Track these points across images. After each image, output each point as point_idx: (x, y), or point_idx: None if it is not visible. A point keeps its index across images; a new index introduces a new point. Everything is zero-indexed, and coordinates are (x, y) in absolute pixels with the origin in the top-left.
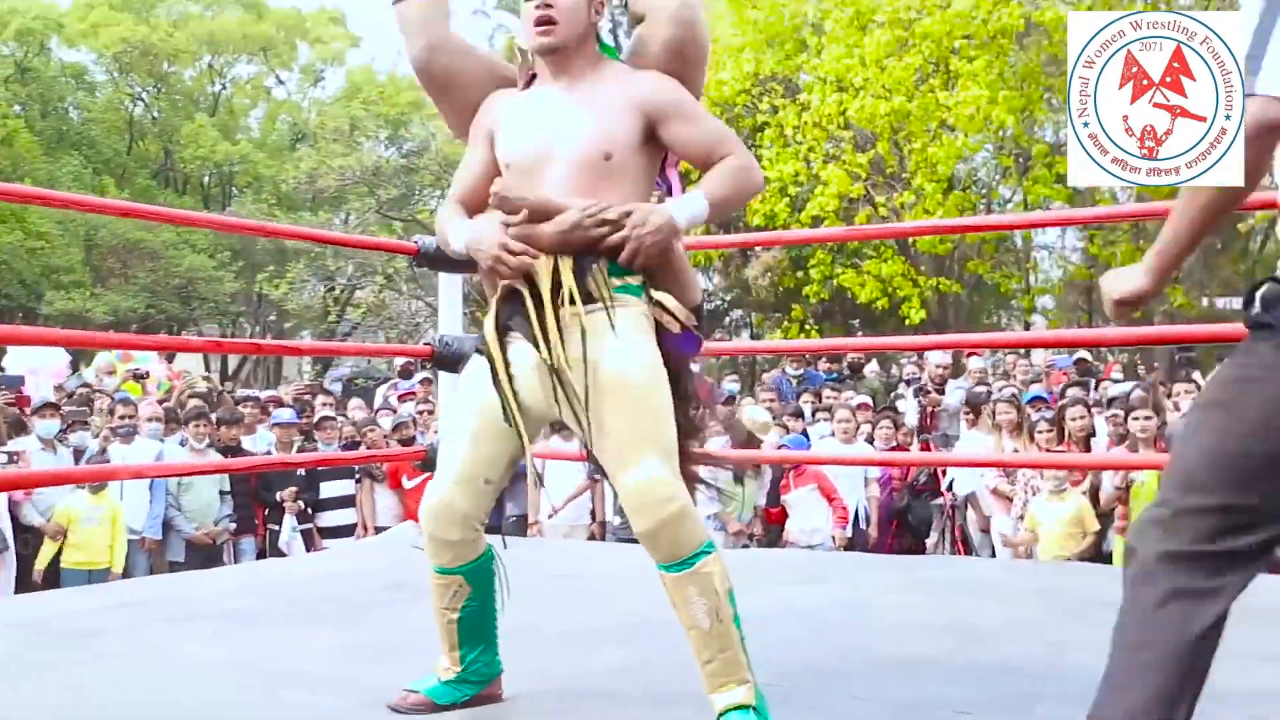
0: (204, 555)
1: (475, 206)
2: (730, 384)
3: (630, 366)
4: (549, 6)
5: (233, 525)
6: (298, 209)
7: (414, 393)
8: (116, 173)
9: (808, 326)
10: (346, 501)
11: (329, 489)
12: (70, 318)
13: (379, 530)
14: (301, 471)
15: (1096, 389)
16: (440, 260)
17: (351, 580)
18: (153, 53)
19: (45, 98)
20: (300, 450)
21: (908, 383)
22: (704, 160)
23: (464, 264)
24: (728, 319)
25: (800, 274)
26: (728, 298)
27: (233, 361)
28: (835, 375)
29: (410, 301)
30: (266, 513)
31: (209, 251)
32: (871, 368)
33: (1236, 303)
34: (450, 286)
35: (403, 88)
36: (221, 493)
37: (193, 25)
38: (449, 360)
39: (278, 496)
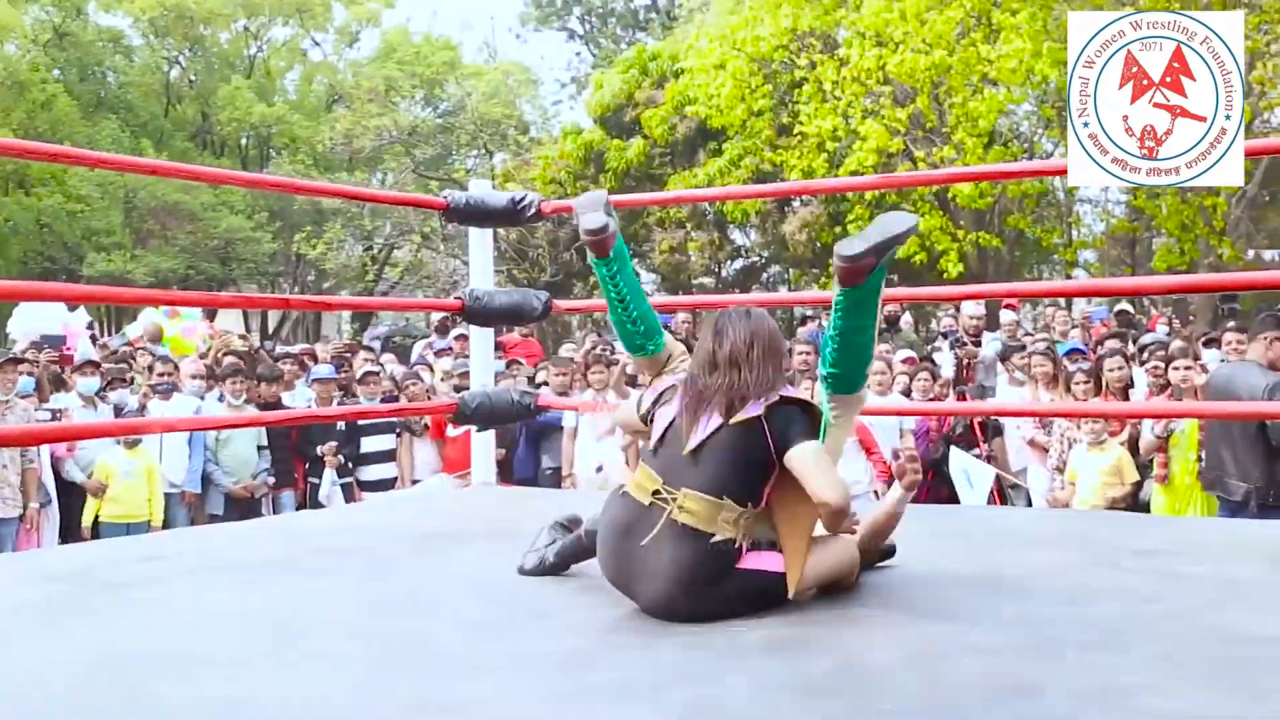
0: (243, 508)
1: None
2: None
3: None
4: None
5: (271, 479)
6: (334, 170)
7: (450, 349)
8: (154, 136)
9: None
10: (388, 456)
11: (370, 443)
12: (111, 279)
13: (416, 484)
14: (342, 426)
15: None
16: (470, 215)
17: (383, 533)
18: (188, 16)
19: (83, 62)
20: (340, 406)
21: (944, 335)
22: None
23: (493, 218)
24: (765, 275)
25: (838, 229)
26: (765, 254)
27: (272, 321)
28: None
29: (448, 260)
30: (307, 467)
31: (246, 213)
32: (907, 320)
33: None
34: (481, 241)
35: (437, 48)
36: (260, 448)
37: None
38: (479, 314)
39: (318, 450)
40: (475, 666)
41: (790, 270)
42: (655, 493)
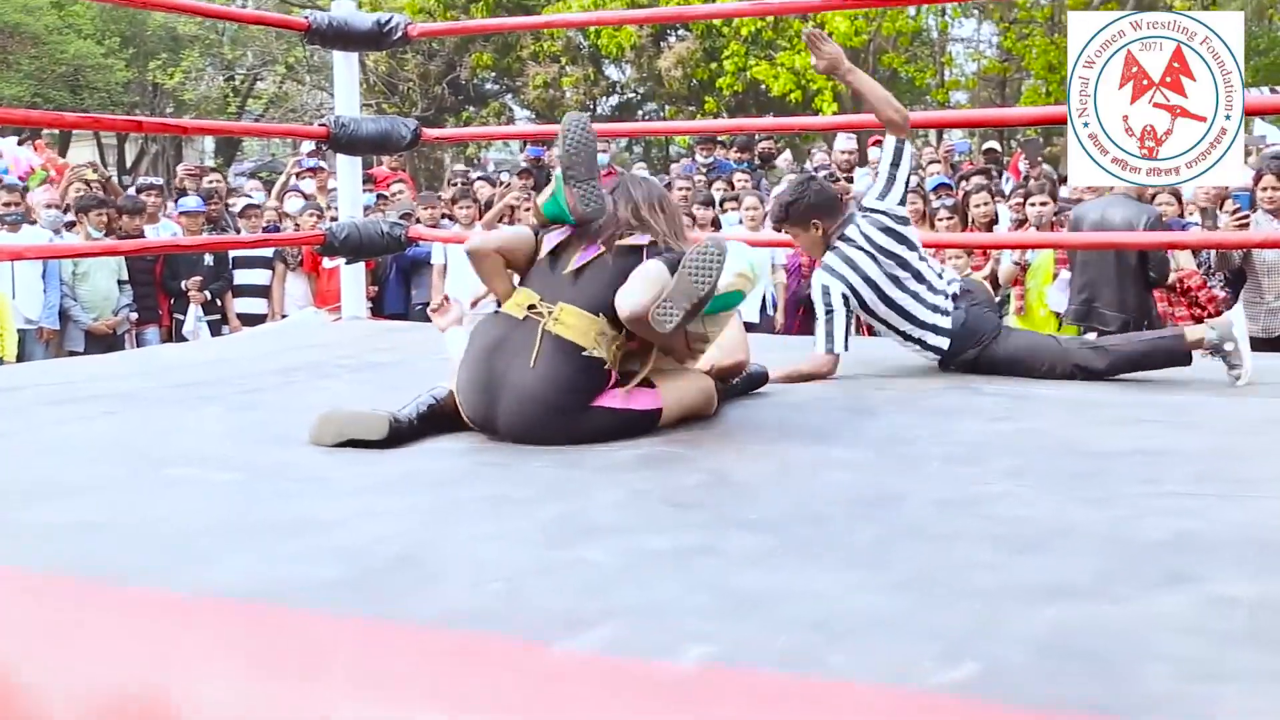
0: (104, 345)
1: None
2: (639, 171)
3: None
4: None
5: (134, 315)
6: None
7: (312, 170)
8: None
9: (721, 119)
10: (262, 291)
11: (243, 277)
12: None
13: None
14: (210, 260)
15: (1003, 178)
16: (333, 37)
17: (248, 365)
18: None
19: None
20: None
21: (817, 170)
22: None
23: (358, 41)
24: (640, 111)
25: (714, 65)
26: (640, 90)
27: (129, 157)
28: (747, 164)
29: (314, 93)
30: (172, 303)
31: (96, 37)
32: (785, 158)
33: None
34: (346, 67)
35: None
36: (121, 282)
37: None
38: (346, 141)
39: (182, 285)
40: (340, 489)
41: (666, 107)
42: (531, 307)
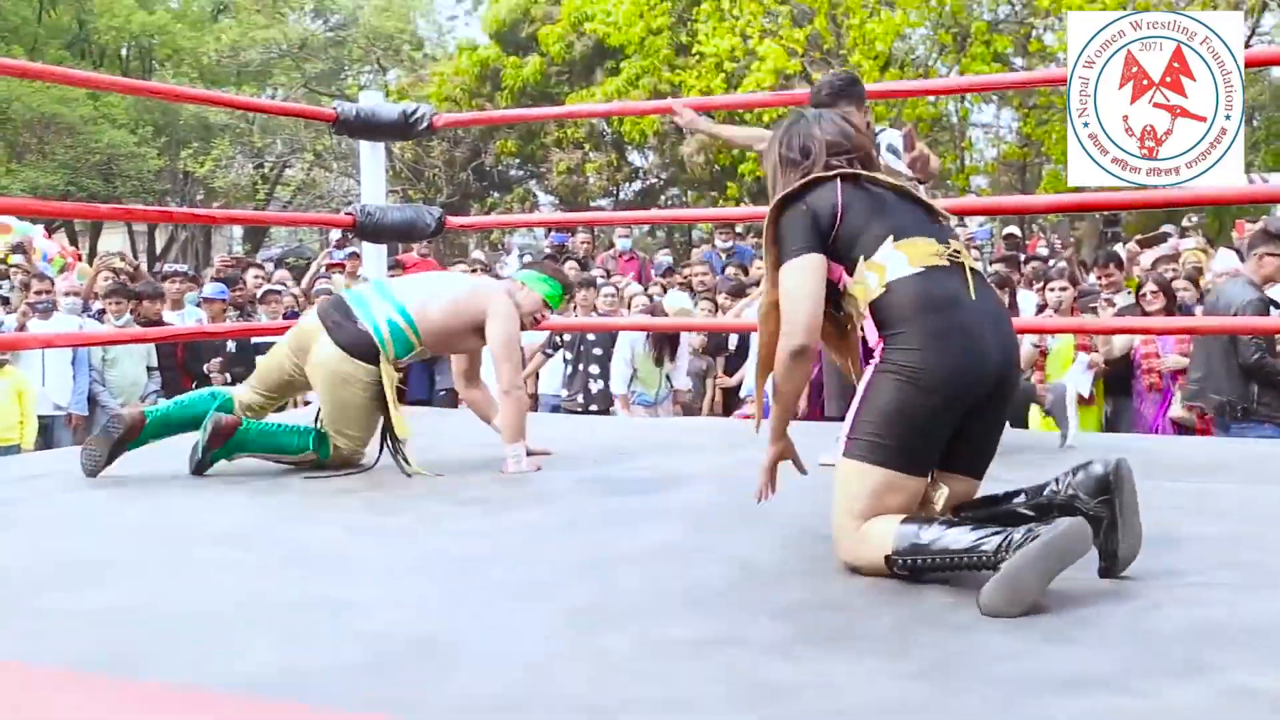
0: None
1: None
2: (664, 257)
3: None
4: None
5: (160, 400)
6: (221, 84)
7: (342, 264)
8: (27, 43)
9: (743, 205)
10: None
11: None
12: None
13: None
14: (232, 346)
15: (1025, 264)
16: (360, 128)
17: None
18: None
19: None
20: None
21: None
22: None
23: (384, 131)
24: (663, 197)
25: (735, 152)
26: (663, 176)
27: (159, 244)
28: None
29: (342, 179)
30: (195, 385)
31: (130, 127)
32: None
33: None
34: (372, 156)
35: None
36: (149, 369)
37: None
38: (371, 230)
39: (205, 368)
40: (363, 571)
41: (688, 192)
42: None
